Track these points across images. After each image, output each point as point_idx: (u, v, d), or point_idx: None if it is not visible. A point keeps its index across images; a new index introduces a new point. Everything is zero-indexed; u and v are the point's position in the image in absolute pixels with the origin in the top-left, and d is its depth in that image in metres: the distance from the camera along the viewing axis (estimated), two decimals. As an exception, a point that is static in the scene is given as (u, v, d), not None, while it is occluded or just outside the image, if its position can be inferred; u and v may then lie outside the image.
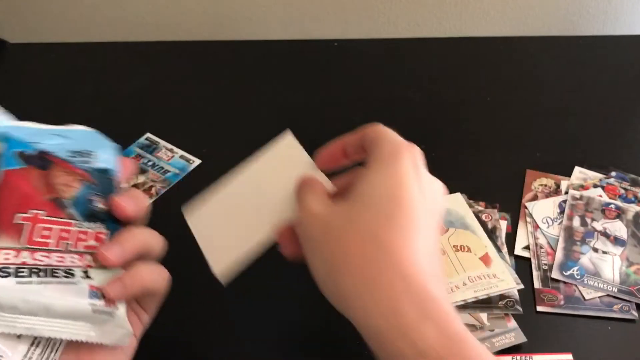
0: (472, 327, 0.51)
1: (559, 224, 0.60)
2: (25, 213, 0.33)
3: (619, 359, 0.51)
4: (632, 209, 0.61)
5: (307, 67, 0.85)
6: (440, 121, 0.75)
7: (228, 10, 0.96)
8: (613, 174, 0.65)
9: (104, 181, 0.37)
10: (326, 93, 0.80)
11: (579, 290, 0.55)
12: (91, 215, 0.36)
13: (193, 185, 0.63)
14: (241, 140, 0.75)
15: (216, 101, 0.80)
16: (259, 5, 0.95)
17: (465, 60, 0.84)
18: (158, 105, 0.79)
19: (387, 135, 0.35)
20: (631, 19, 0.93)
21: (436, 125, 0.74)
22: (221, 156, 0.72)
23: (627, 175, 0.65)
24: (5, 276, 0.31)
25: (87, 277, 0.34)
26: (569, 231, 0.59)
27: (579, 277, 0.55)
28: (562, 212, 0.61)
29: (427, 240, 0.31)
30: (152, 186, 0.68)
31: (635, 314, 0.53)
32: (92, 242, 0.35)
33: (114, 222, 0.37)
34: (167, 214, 0.61)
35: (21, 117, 0.85)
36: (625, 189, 0.64)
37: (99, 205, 0.36)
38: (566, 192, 0.64)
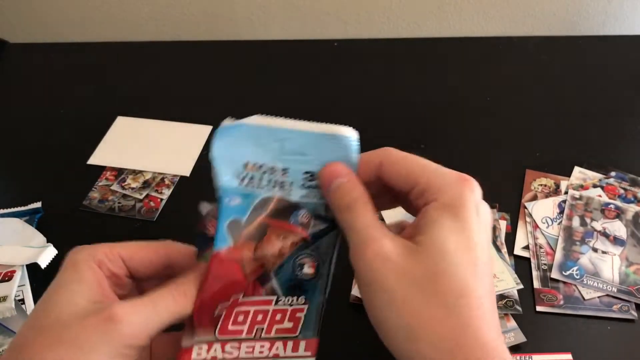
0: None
1: (559, 224, 0.60)
2: (227, 301, 0.32)
3: (619, 359, 0.51)
4: (631, 209, 0.61)
5: (307, 67, 0.85)
6: (440, 121, 0.75)
7: (228, 10, 0.96)
8: (612, 174, 0.65)
9: (319, 229, 0.33)
10: (326, 93, 0.80)
11: (579, 290, 0.55)
12: (294, 286, 0.33)
13: (194, 186, 0.64)
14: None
15: (216, 101, 0.80)
16: (259, 5, 0.95)
17: (465, 60, 0.84)
18: (158, 105, 0.79)
19: (443, 173, 0.32)
20: (631, 19, 0.93)
21: (436, 125, 0.74)
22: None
23: (626, 175, 0.65)
24: None
25: None
26: (568, 231, 0.59)
27: (578, 277, 0.56)
28: (561, 212, 0.61)
29: (489, 290, 0.30)
30: (163, 178, 0.68)
31: (635, 313, 0.53)
32: (286, 325, 0.32)
33: (321, 288, 0.33)
34: (178, 211, 0.61)
35: (21, 116, 0.86)
36: (624, 189, 0.64)
37: (306, 270, 0.33)
38: (566, 192, 0.64)
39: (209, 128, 0.75)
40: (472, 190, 0.31)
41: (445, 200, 0.31)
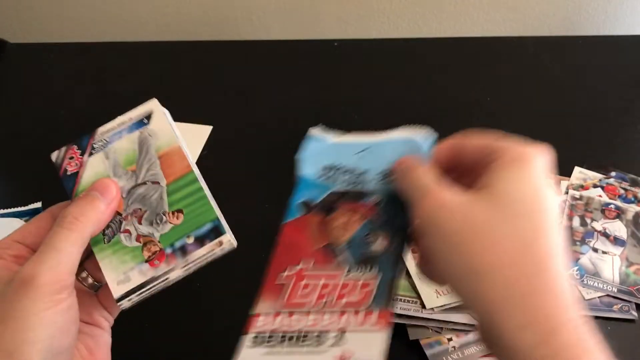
0: (473, 327, 0.52)
1: (559, 224, 0.60)
2: (290, 271, 0.33)
3: (619, 359, 0.51)
4: (631, 209, 0.61)
5: (307, 67, 0.85)
6: (440, 121, 0.74)
7: (228, 10, 0.96)
8: (613, 174, 0.65)
9: (392, 209, 0.34)
10: (326, 93, 0.80)
11: (579, 291, 0.55)
12: (365, 259, 0.33)
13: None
14: (241, 140, 0.75)
15: (216, 101, 0.80)
16: (259, 5, 0.95)
17: (465, 60, 0.84)
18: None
19: (515, 139, 0.33)
20: (631, 19, 0.93)
21: (436, 125, 0.74)
22: (221, 156, 0.72)
23: (626, 175, 0.65)
24: (255, 345, 0.31)
25: (339, 342, 0.30)
26: (568, 231, 0.59)
27: (578, 277, 0.55)
28: (561, 212, 0.61)
29: (560, 255, 0.29)
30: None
31: (635, 314, 0.53)
32: (354, 298, 0.32)
33: (392, 263, 0.33)
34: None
35: (21, 116, 0.86)
36: (625, 189, 0.64)
37: (377, 245, 0.33)
38: (566, 192, 0.64)
39: (209, 128, 0.75)
40: (542, 151, 0.31)
41: (512, 156, 0.31)
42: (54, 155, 0.39)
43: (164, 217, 0.35)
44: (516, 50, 0.85)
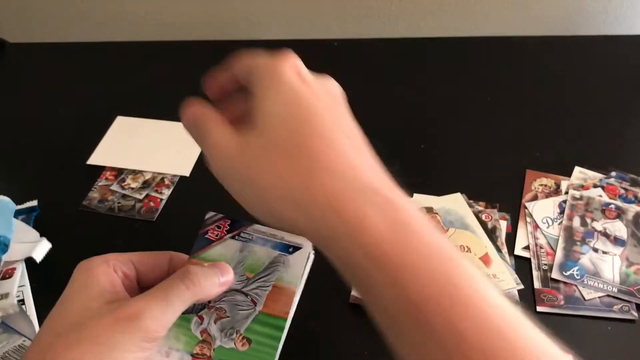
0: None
1: (559, 224, 0.60)
2: None
3: (619, 359, 0.51)
4: (632, 209, 0.61)
5: (307, 67, 0.85)
6: (440, 121, 0.75)
7: (228, 10, 0.96)
8: (613, 174, 0.65)
9: None
10: (326, 93, 0.80)
11: (579, 291, 0.55)
12: None
13: (193, 186, 0.64)
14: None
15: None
16: (259, 5, 0.95)
17: (465, 60, 0.84)
18: (158, 105, 0.79)
19: (259, 59, 0.35)
20: (631, 19, 0.93)
21: (436, 125, 0.74)
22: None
23: (627, 175, 0.65)
24: None
25: None
26: (569, 231, 0.59)
27: (578, 277, 0.55)
28: (562, 212, 0.61)
29: (345, 134, 0.32)
30: (163, 178, 0.68)
31: (635, 314, 0.53)
32: None
33: None
34: (178, 211, 0.61)
35: (21, 116, 0.86)
36: (625, 189, 0.64)
37: None
38: (566, 192, 0.64)
39: (208, 128, 0.75)
40: (287, 61, 0.34)
41: (261, 79, 0.33)
42: (209, 214, 0.39)
43: (234, 334, 0.36)
44: (516, 50, 0.85)
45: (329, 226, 0.28)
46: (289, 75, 0.32)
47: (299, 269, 0.36)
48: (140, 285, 0.36)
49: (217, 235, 0.38)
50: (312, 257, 0.37)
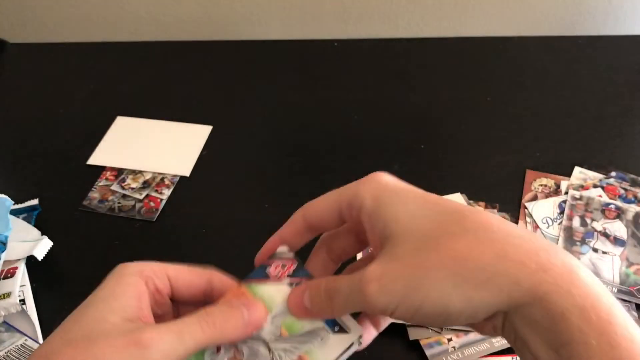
0: (472, 328, 0.51)
1: (559, 224, 0.60)
2: None
3: None
4: (632, 209, 0.61)
5: (307, 67, 0.85)
6: (440, 121, 0.75)
7: (228, 10, 0.96)
8: (613, 174, 0.65)
9: None
10: (326, 93, 0.80)
11: (579, 291, 0.55)
12: None
13: (194, 186, 0.64)
14: (241, 140, 0.75)
15: (216, 101, 0.80)
16: (259, 5, 0.95)
17: (465, 60, 0.84)
18: (158, 105, 0.79)
19: (356, 187, 0.33)
20: (631, 19, 0.93)
21: (436, 125, 0.74)
22: (221, 156, 0.72)
23: (627, 175, 0.65)
24: None
25: None
26: (568, 231, 0.59)
27: (578, 277, 0.55)
28: (562, 212, 0.61)
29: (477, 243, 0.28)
30: (163, 178, 0.68)
31: (635, 314, 0.53)
32: None
33: None
34: (178, 212, 0.61)
35: (21, 117, 0.86)
36: (625, 189, 0.64)
37: None
38: (566, 192, 0.64)
39: (209, 128, 0.75)
40: (373, 175, 0.32)
41: (369, 209, 0.31)
42: (281, 248, 0.36)
43: None
44: (516, 50, 0.85)
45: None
46: (388, 179, 0.32)
47: (334, 351, 0.33)
48: (174, 300, 0.35)
49: (277, 274, 0.35)
50: (355, 347, 0.33)
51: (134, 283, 0.32)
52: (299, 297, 0.33)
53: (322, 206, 0.34)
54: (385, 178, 0.32)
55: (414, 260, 0.28)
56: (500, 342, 0.50)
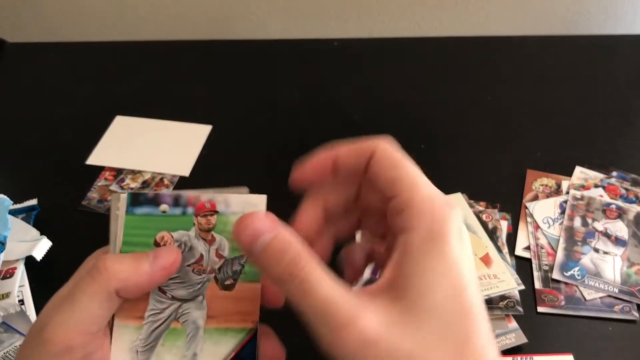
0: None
1: (560, 224, 0.60)
2: None
3: (620, 360, 0.51)
4: (633, 209, 0.61)
5: (307, 67, 0.85)
6: (440, 121, 0.75)
7: (228, 10, 0.96)
8: (614, 174, 0.65)
9: None
10: (326, 93, 0.80)
11: (580, 291, 0.54)
12: None
13: (193, 186, 0.64)
14: (241, 140, 0.75)
15: (216, 101, 0.80)
16: (259, 5, 0.95)
17: (465, 60, 0.84)
18: (157, 105, 0.79)
19: (418, 199, 0.27)
20: (631, 19, 0.93)
21: (436, 125, 0.74)
22: (220, 156, 0.72)
23: (628, 175, 0.65)
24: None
25: None
26: (569, 231, 0.59)
27: (579, 277, 0.55)
28: (563, 212, 0.61)
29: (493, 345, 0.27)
30: (162, 178, 0.68)
31: (636, 314, 0.53)
32: None
33: None
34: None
35: (20, 116, 0.86)
36: (626, 189, 0.64)
37: None
38: (567, 192, 0.64)
39: (208, 128, 0.75)
40: (456, 217, 0.27)
41: (425, 231, 0.26)
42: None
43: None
44: (517, 50, 0.85)
45: None
46: (456, 244, 0.26)
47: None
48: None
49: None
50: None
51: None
52: (249, 227, 0.27)
53: (352, 145, 0.31)
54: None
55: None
56: (501, 343, 0.50)
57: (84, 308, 0.28)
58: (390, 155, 0.29)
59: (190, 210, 0.31)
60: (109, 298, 0.28)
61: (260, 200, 0.31)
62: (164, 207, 0.31)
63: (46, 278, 0.58)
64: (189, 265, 0.31)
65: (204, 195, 0.31)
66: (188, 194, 0.31)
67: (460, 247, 0.26)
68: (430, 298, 0.25)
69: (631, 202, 0.62)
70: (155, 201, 0.31)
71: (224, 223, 0.31)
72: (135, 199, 0.32)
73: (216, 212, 0.31)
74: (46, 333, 0.27)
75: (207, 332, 0.30)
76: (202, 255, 0.31)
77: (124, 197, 0.32)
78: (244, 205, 0.31)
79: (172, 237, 0.31)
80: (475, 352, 0.25)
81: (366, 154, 0.30)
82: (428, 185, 0.28)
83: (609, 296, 0.54)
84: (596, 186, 0.64)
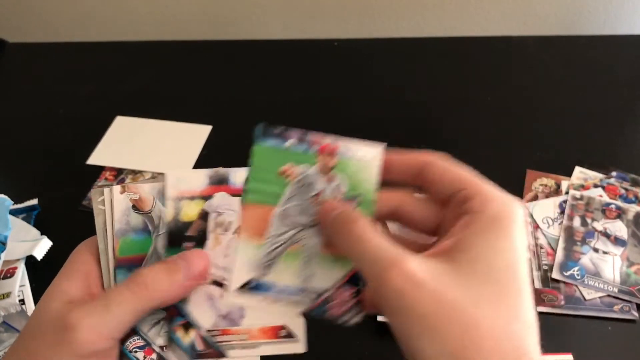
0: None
1: (560, 224, 0.60)
2: None
3: (620, 359, 0.51)
4: (632, 209, 0.61)
5: (307, 67, 0.85)
6: (440, 121, 0.75)
7: (228, 10, 0.96)
8: (613, 174, 0.65)
9: None
10: (326, 93, 0.80)
11: (579, 291, 0.55)
12: None
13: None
14: (241, 140, 0.75)
15: (216, 101, 0.80)
16: (259, 5, 0.95)
17: (465, 60, 0.84)
18: (158, 105, 0.79)
19: (491, 185, 0.30)
20: (631, 19, 0.93)
21: (436, 125, 0.74)
22: (220, 156, 0.72)
23: (627, 175, 0.65)
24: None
25: None
26: (569, 231, 0.59)
27: (579, 277, 0.55)
28: (562, 212, 0.61)
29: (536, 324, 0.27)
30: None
31: (636, 314, 0.53)
32: None
33: None
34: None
35: (21, 116, 0.86)
36: (625, 189, 0.64)
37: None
38: (566, 192, 0.64)
39: (209, 128, 0.75)
40: (521, 210, 0.28)
41: (492, 214, 0.28)
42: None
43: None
44: (516, 50, 0.85)
45: None
46: (520, 229, 0.28)
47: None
48: None
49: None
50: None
51: (84, 261, 0.32)
52: (327, 204, 0.31)
53: (402, 155, 0.33)
54: None
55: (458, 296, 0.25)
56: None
57: (119, 318, 0.29)
58: (448, 161, 0.32)
59: (314, 148, 0.33)
60: (145, 312, 0.30)
61: (378, 149, 0.33)
62: (291, 141, 0.33)
63: (47, 278, 0.58)
64: (308, 199, 0.33)
65: (329, 138, 0.34)
66: (314, 133, 0.34)
67: (522, 234, 0.27)
68: (488, 264, 0.26)
69: (630, 202, 0.62)
70: (283, 135, 0.34)
71: (344, 164, 0.33)
72: (266, 131, 0.34)
73: (337, 154, 0.34)
74: (75, 334, 0.28)
75: (322, 258, 0.32)
76: (321, 190, 0.33)
77: (107, 190, 0.33)
78: (363, 151, 0.34)
79: (295, 170, 0.34)
80: (525, 325, 0.26)
81: (417, 164, 0.32)
82: (489, 183, 0.30)
83: (609, 296, 0.54)
84: (596, 186, 0.64)
